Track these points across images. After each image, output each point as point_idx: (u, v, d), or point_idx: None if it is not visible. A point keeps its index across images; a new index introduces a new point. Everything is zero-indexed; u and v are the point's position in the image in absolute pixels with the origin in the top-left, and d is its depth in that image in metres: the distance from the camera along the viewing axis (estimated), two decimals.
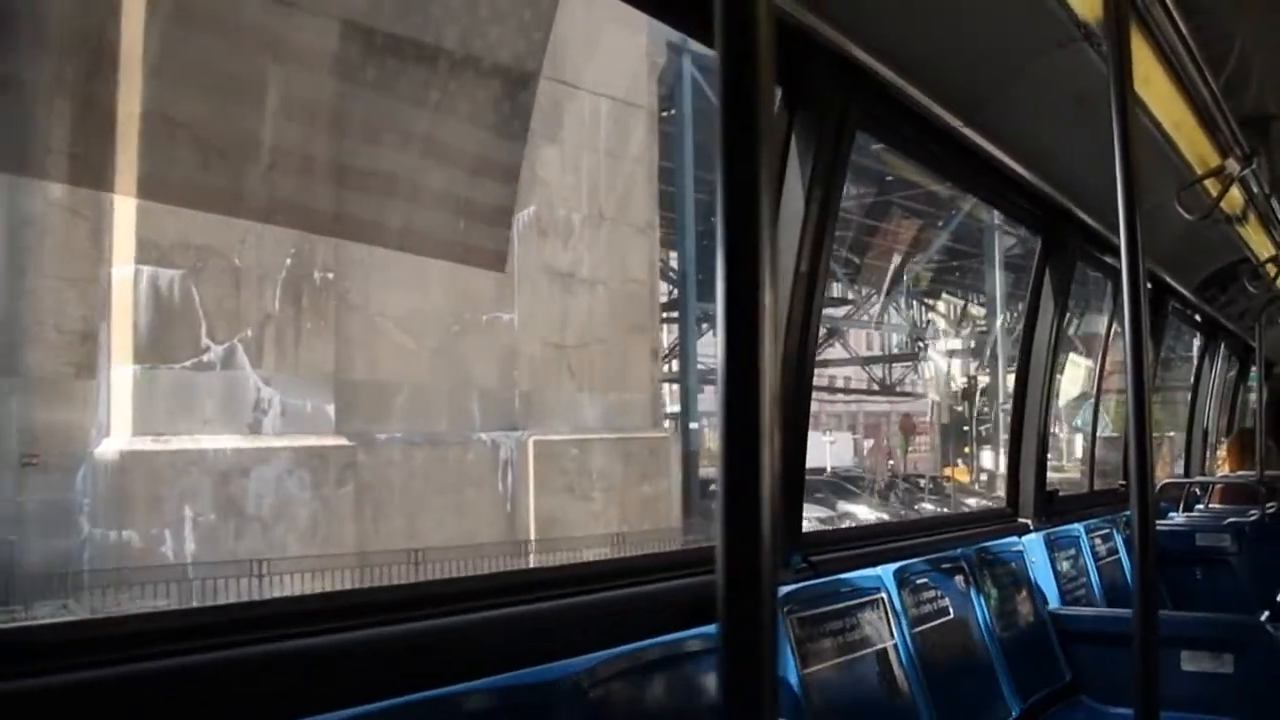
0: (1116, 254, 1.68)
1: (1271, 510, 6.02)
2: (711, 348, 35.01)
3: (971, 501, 26.39)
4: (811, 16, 2.34)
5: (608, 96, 16.12)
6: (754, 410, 0.67)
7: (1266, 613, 5.04)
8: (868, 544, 3.36)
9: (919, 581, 3.06)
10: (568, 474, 15.25)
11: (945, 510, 23.89)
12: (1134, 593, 1.71)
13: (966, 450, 32.19)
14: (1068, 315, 4.69)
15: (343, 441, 13.14)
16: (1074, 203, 4.02)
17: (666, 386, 23.25)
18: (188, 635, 1.57)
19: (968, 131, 3.09)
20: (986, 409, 35.93)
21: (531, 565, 13.19)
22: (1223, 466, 8.00)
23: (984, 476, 30.92)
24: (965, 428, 33.08)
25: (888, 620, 2.77)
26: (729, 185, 0.68)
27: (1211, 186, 3.69)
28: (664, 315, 24.89)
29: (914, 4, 2.51)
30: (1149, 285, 5.50)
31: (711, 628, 2.00)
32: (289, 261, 12.73)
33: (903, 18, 2.53)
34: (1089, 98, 2.76)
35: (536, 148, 14.17)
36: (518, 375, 15.08)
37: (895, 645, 2.76)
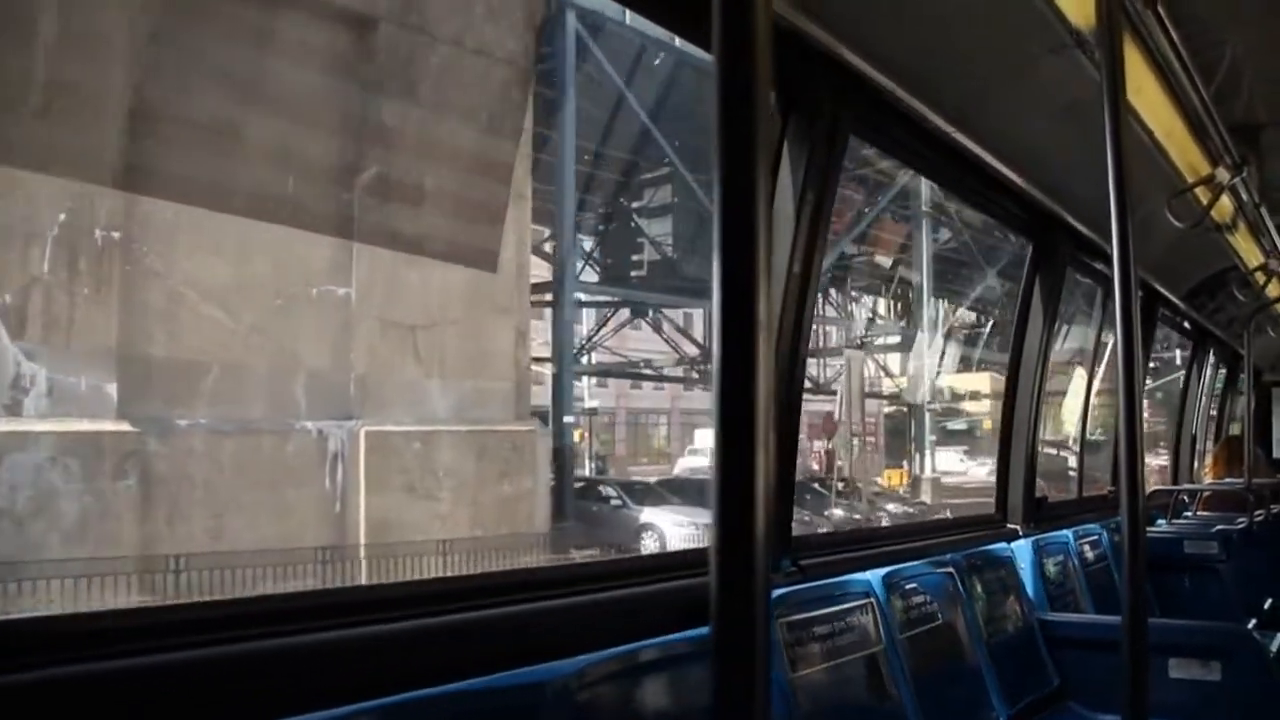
0: (1107, 261, 1.69)
1: (1259, 518, 6.04)
2: (591, 334, 32.77)
3: (891, 506, 25.62)
4: (806, 21, 2.34)
5: (473, 50, 14.10)
6: (748, 412, 0.67)
7: (1254, 621, 5.06)
8: (857, 548, 3.37)
9: (908, 586, 3.06)
10: (408, 471, 13.45)
11: (837, 515, 23.60)
12: (1123, 600, 1.72)
13: (908, 453, 31.67)
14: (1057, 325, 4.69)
15: (124, 427, 11.24)
16: (1065, 209, 4.03)
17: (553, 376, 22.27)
18: (169, 631, 1.56)
19: (960, 137, 3.10)
20: (939, 408, 35.00)
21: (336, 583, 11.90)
22: (1209, 474, 8.02)
23: (931, 480, 30.08)
24: (911, 429, 32.48)
25: (877, 624, 2.78)
26: (725, 188, 0.69)
27: (1202, 195, 3.71)
28: (539, 298, 23.49)
29: (908, 9, 2.52)
30: (1140, 293, 5.51)
31: (703, 630, 2.01)
32: (63, 217, 10.90)
33: (897, 23, 2.54)
34: (1081, 105, 2.77)
35: (384, 101, 12.88)
36: (354, 357, 13.26)
37: (884, 650, 2.76)
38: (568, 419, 21.53)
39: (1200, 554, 5.51)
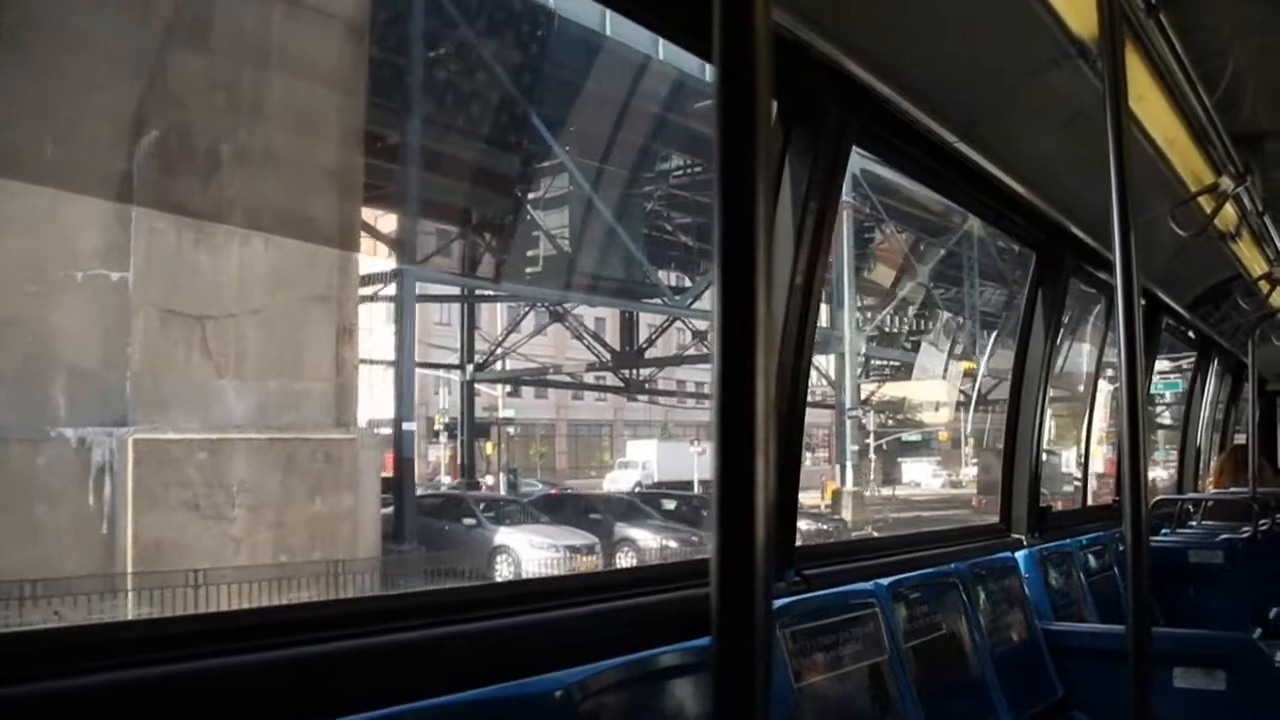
0: (1111, 270, 1.68)
1: (1264, 527, 6.03)
2: (446, 332, 32.26)
3: (805, 525, 22.62)
4: (809, 33, 2.35)
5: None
6: (748, 423, 0.67)
7: (1259, 630, 5.04)
8: (862, 558, 3.37)
9: (912, 596, 3.05)
10: (190, 485, 11.34)
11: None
12: (1127, 609, 1.71)
13: (852, 465, 29.90)
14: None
15: None
16: (1069, 219, 4.03)
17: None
18: (158, 645, 1.56)
19: (963, 147, 3.10)
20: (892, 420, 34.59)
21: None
22: (1213, 483, 8.00)
23: (854, 494, 28.26)
24: (866, 440, 31.48)
25: (881, 634, 2.77)
26: (725, 200, 0.69)
27: (1205, 203, 3.71)
28: (373, 291, 21.86)
29: (911, 21, 2.52)
30: (1143, 302, 5.52)
31: (705, 640, 2.00)
32: None
33: (900, 34, 2.54)
34: (1084, 115, 2.78)
35: (175, 54, 11.10)
36: (130, 353, 11.21)
37: (888, 659, 2.76)
38: (408, 426, 19.64)
39: (1205, 563, 5.49)
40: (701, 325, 33.69)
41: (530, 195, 25.07)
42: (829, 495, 29.22)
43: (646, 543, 20.92)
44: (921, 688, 2.84)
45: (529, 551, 19.08)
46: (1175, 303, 5.88)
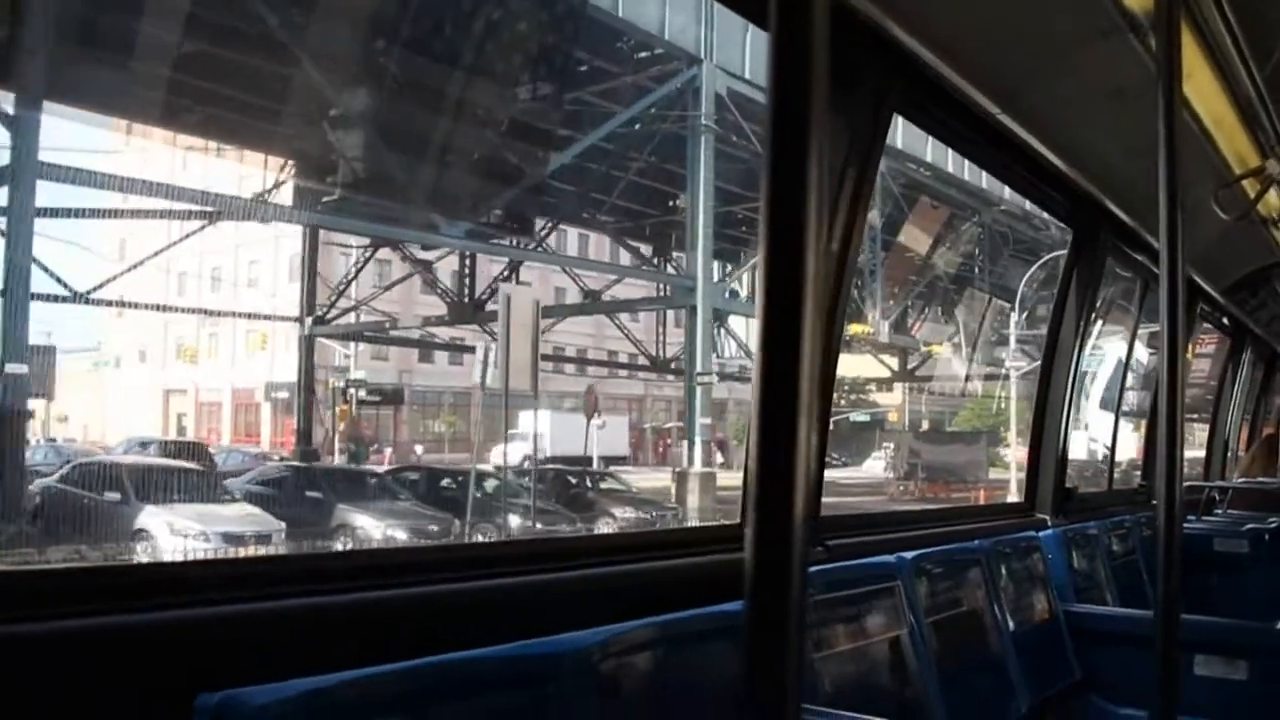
0: (1148, 251, 1.66)
1: None
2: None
3: (628, 513, 20.49)
4: None
5: None
6: (792, 393, 0.66)
7: None
8: (885, 531, 3.36)
9: (935, 571, 3.05)
10: None
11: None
12: (1154, 595, 1.70)
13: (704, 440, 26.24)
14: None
15: None
16: (1109, 197, 3.97)
17: None
18: (213, 585, 1.59)
19: (1004, 118, 3.06)
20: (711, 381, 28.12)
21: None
22: (1242, 471, 7.93)
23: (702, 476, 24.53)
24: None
25: (902, 608, 2.77)
26: (775, 170, 0.67)
27: (1250, 187, 3.65)
28: None
29: None
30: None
31: (730, 606, 2.01)
32: None
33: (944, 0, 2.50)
34: (1130, 90, 2.72)
35: None
36: None
37: (909, 633, 2.76)
38: (14, 369, 15.31)
39: (1230, 552, 5.45)
40: (593, 282, 31.02)
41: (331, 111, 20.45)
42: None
43: (371, 532, 17.19)
44: (940, 663, 2.84)
45: (167, 538, 15.19)
46: (1212, 288, 5.80)
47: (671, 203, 29.46)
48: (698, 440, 25.56)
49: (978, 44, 2.69)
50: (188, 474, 17.58)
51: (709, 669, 2.01)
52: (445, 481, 20.90)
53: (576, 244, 36.81)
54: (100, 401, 34.66)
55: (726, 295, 30.49)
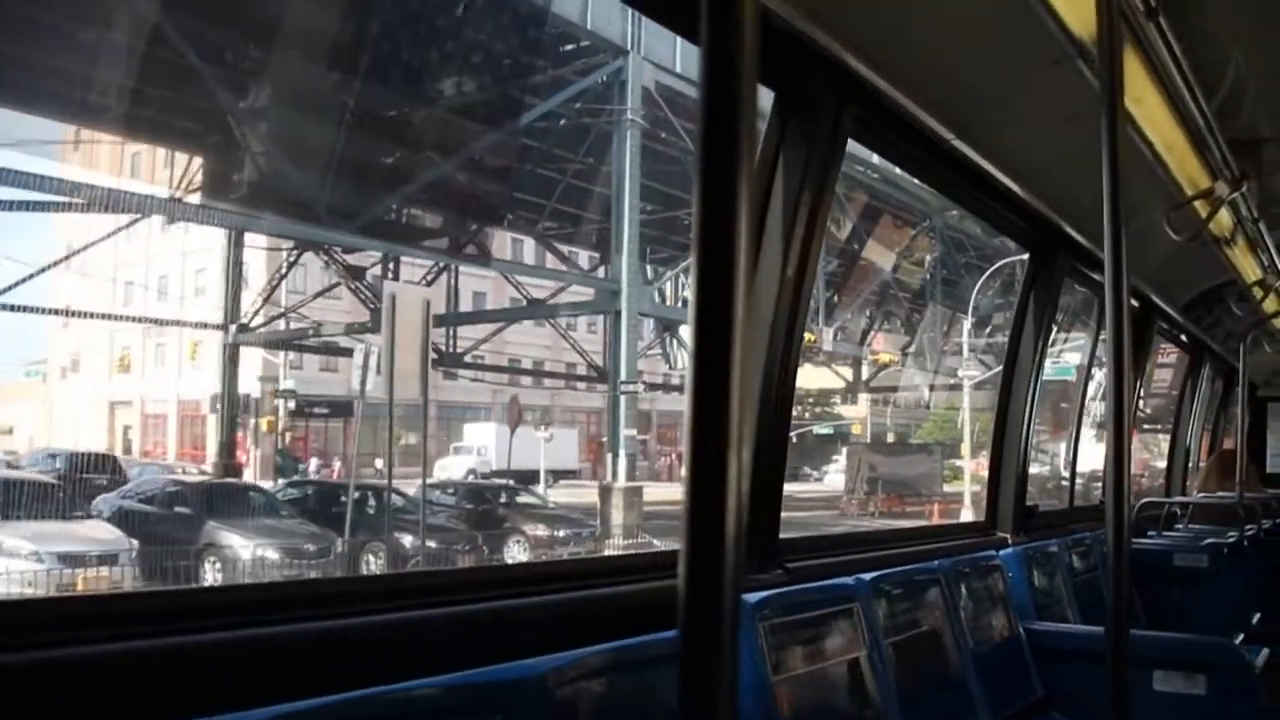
0: (1104, 272, 1.67)
1: (1250, 532, 6.04)
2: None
3: (540, 531, 19.00)
4: (808, 24, 2.33)
5: None
6: (722, 413, 0.66)
7: (1241, 635, 5.05)
8: (845, 552, 3.36)
9: (894, 592, 3.05)
10: None
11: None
12: (1108, 611, 1.71)
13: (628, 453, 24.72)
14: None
15: None
16: (1064, 219, 4.03)
17: None
18: (140, 620, 1.55)
19: (960, 144, 3.09)
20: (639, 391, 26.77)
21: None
22: (1200, 487, 8.02)
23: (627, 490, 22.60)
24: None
25: (862, 630, 2.77)
26: (706, 184, 0.67)
27: (1201, 208, 3.70)
28: None
29: (911, 16, 2.51)
30: (1136, 304, 5.52)
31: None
32: None
33: (899, 29, 2.53)
34: (1082, 116, 2.76)
35: None
36: None
37: (868, 654, 2.75)
38: None
39: (1189, 567, 5.51)
40: (537, 290, 29.59)
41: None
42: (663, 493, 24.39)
43: (239, 552, 15.94)
44: (901, 684, 2.84)
45: None
46: (1168, 306, 5.89)
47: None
48: (622, 453, 23.90)
49: (931, 73, 2.72)
50: (45, 488, 16.20)
51: (664, 693, 2.00)
52: (342, 498, 18.96)
53: (514, 249, 34.47)
54: (46, 415, 33.79)
55: (680, 304, 29.47)
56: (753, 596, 2.41)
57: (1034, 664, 3.77)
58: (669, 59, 23.88)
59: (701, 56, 0.68)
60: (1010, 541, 4.36)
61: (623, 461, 23.59)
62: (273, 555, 16.06)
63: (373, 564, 16.80)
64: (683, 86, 23.29)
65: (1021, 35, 2.62)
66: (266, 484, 22.10)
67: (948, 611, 3.31)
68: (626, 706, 1.97)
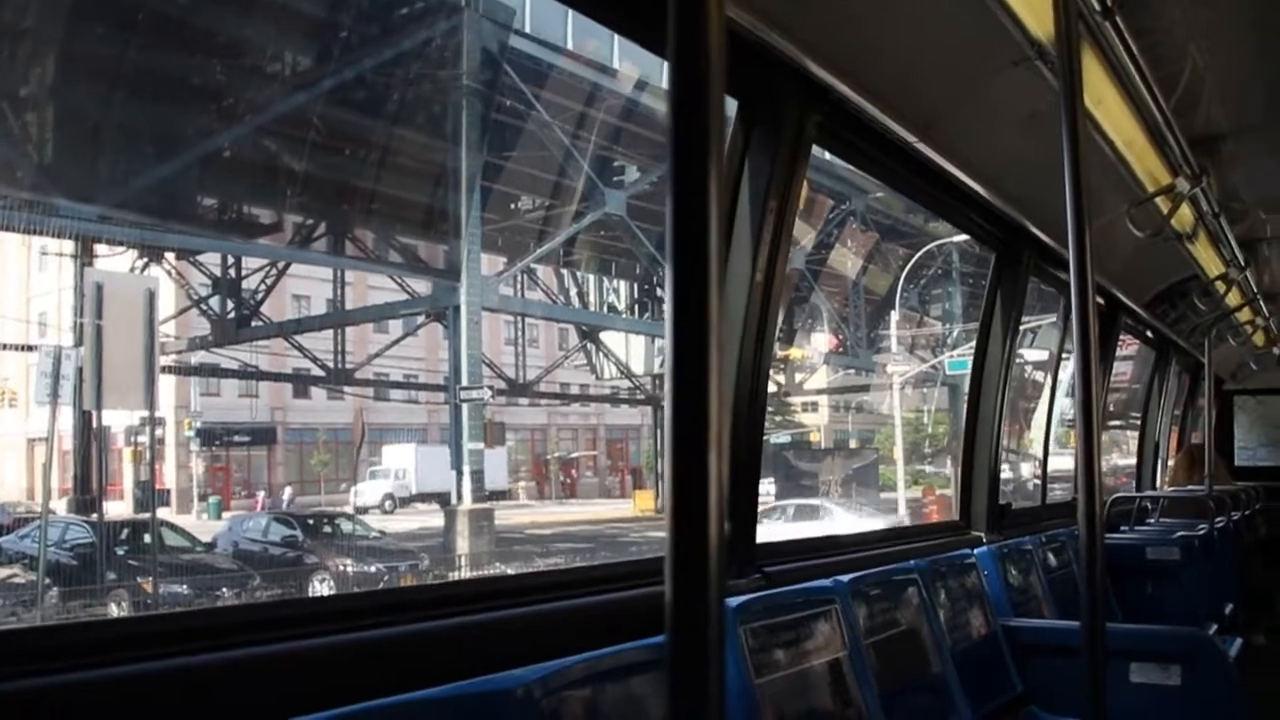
0: (1068, 269, 1.70)
1: (1220, 524, 6.12)
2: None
3: (347, 568, 16.74)
4: (770, 32, 2.35)
5: None
6: (702, 421, 0.67)
7: (1215, 626, 5.11)
8: (823, 555, 3.38)
9: (873, 593, 3.07)
10: None
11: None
12: (1082, 606, 1.73)
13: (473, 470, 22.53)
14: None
15: None
16: (1028, 218, 4.07)
17: None
18: (126, 644, 1.54)
19: (923, 147, 3.12)
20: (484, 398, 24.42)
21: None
22: (1170, 481, 8.11)
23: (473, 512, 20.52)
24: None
25: (841, 631, 2.78)
26: (678, 194, 0.68)
27: (1162, 204, 3.76)
28: None
29: (872, 22, 2.53)
30: (1101, 301, 5.58)
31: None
32: None
33: (860, 35, 2.55)
34: (1043, 116, 2.80)
35: None
36: None
37: (848, 655, 2.77)
38: None
39: (1162, 560, 5.57)
40: (422, 289, 25.75)
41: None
42: (638, 507, 22.19)
43: None
44: (882, 684, 2.85)
45: None
46: (1133, 302, 5.96)
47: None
48: (465, 470, 21.57)
49: (893, 77, 2.75)
50: None
51: (650, 701, 2.01)
52: (80, 534, 16.41)
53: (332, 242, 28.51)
54: None
55: (604, 309, 28.30)
56: (733, 601, 2.42)
57: (1012, 660, 3.80)
58: (517, 19, 20.34)
59: (670, 69, 0.69)
60: (985, 540, 4.40)
61: (467, 480, 21.16)
62: None
63: None
64: (535, 49, 20.30)
65: (981, 37, 2.66)
66: None
67: (925, 611, 3.33)
68: (612, 714, 1.97)
